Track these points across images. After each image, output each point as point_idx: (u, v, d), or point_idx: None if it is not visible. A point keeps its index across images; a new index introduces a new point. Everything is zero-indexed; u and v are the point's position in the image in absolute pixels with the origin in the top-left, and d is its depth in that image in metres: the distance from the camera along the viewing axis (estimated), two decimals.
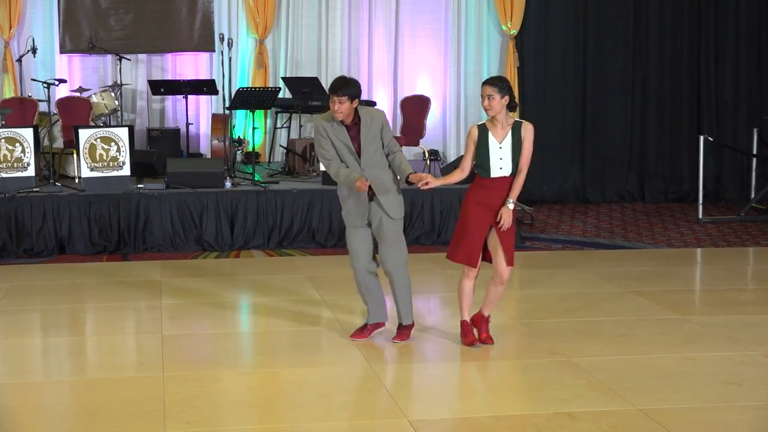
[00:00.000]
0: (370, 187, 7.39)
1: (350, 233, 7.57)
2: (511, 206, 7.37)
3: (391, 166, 7.56)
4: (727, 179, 15.83)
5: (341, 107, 7.28)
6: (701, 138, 13.98)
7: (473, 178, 7.49)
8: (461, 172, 7.46)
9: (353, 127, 7.40)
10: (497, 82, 7.30)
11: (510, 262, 7.45)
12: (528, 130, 7.38)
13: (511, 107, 7.36)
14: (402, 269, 7.63)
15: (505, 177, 7.33)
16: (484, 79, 7.53)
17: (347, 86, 7.29)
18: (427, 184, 7.30)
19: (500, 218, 7.35)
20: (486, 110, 7.31)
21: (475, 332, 7.66)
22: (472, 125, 7.55)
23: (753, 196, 14.67)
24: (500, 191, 7.34)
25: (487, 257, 7.56)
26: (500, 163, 7.30)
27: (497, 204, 7.35)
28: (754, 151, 14.85)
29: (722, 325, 8.29)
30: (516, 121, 7.40)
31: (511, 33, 15.12)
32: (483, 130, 7.37)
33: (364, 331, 7.80)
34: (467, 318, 7.65)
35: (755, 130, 14.88)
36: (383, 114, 7.56)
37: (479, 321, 7.69)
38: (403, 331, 7.80)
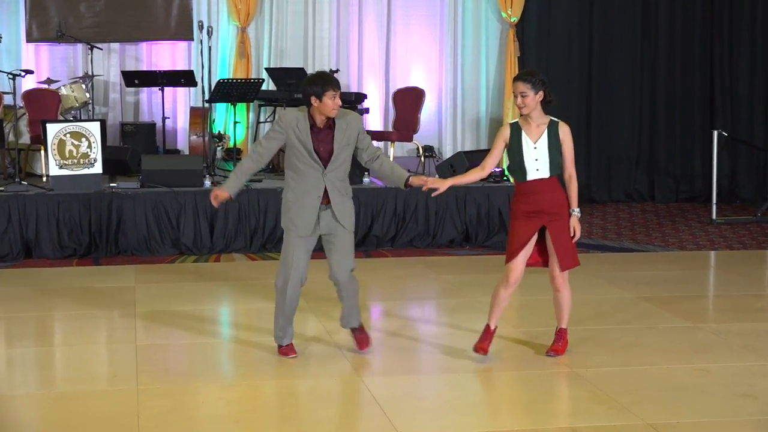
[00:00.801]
0: (326, 193, 7.28)
1: (292, 242, 7.41)
2: (578, 214, 7.44)
3: (379, 172, 7.55)
4: (742, 177, 15.85)
5: (340, 102, 7.22)
6: (715, 133, 14.01)
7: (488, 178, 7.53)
8: (481, 171, 7.46)
9: (324, 130, 7.29)
10: (530, 78, 7.28)
11: (564, 266, 7.45)
12: (566, 132, 7.39)
13: (546, 103, 7.33)
14: (353, 278, 7.59)
15: (543, 179, 7.33)
16: (516, 75, 7.49)
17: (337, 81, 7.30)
18: (435, 190, 7.34)
19: (573, 231, 7.41)
20: (520, 108, 7.30)
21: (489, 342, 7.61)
22: (504, 124, 7.55)
23: None
24: (543, 193, 7.33)
25: (545, 262, 7.57)
26: (536, 165, 7.29)
27: (544, 207, 7.32)
28: None
29: (737, 334, 8.30)
30: (552, 119, 7.38)
31: (512, 20, 15.13)
32: (516, 129, 7.36)
33: (290, 348, 7.67)
34: (492, 324, 7.56)
35: None
36: (360, 119, 7.52)
37: (557, 335, 7.68)
38: (364, 335, 7.75)
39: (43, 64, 14.44)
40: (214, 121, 13.91)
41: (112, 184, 11.71)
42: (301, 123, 7.26)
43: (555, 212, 7.36)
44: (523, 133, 7.32)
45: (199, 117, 13.40)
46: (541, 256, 7.57)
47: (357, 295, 7.68)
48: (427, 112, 14.77)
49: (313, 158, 7.25)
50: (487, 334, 7.56)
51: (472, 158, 11.94)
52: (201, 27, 13.56)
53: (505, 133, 7.38)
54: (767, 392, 6.91)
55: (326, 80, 7.22)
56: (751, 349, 7.87)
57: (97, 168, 11.53)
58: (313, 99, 7.19)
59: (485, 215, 12.14)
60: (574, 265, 7.52)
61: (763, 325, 8.62)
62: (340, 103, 7.22)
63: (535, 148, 7.28)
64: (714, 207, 13.86)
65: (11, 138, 12.68)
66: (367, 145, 7.45)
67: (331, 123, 7.29)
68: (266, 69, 14.47)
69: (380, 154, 7.50)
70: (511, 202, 7.50)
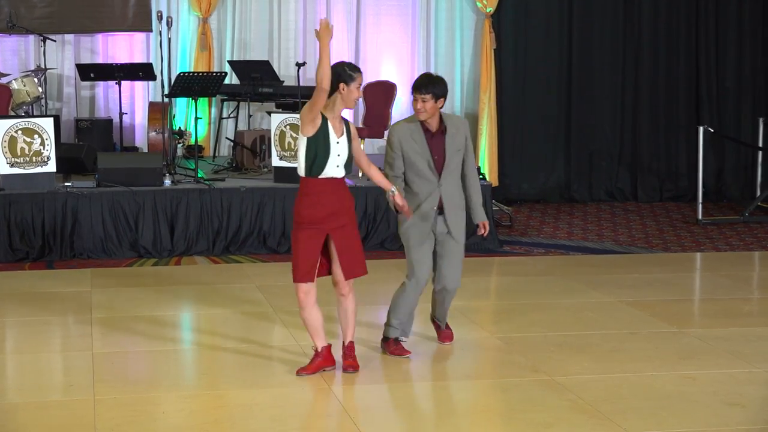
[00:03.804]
0: (441, 202, 7.60)
1: (414, 248, 7.68)
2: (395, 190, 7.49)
3: (465, 193, 7.78)
4: (729, 175, 15.93)
5: (425, 105, 7.48)
6: (700, 129, 14.07)
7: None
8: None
9: (437, 135, 7.58)
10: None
11: (349, 274, 7.36)
12: (355, 129, 7.37)
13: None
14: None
15: (337, 178, 7.22)
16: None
17: (432, 84, 7.51)
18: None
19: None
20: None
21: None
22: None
23: (758, 194, 14.77)
24: (334, 194, 7.22)
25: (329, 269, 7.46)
26: (337, 161, 7.20)
27: (331, 209, 7.20)
28: (760, 144, 14.96)
29: (724, 339, 8.34)
30: (342, 117, 7.32)
31: (487, 11, 15.15)
32: (324, 119, 7.17)
33: (398, 347, 7.89)
34: (320, 345, 7.44)
35: (761, 119, 14.99)
36: (468, 124, 7.82)
37: (349, 350, 7.56)
38: (448, 331, 8.16)
39: None
40: (174, 117, 13.87)
41: (66, 184, 11.67)
42: (415, 134, 7.59)
43: (341, 214, 7.26)
44: (329, 125, 7.19)
45: (159, 112, 13.36)
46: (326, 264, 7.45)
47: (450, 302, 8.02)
48: (398, 108, 14.78)
49: (430, 167, 7.58)
50: (317, 356, 7.44)
51: None
52: (160, 17, 13.51)
53: (318, 120, 7.15)
54: (755, 400, 6.96)
55: (412, 86, 7.62)
56: (739, 356, 7.91)
57: (51, 166, 11.48)
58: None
59: None
60: (361, 273, 7.43)
61: (751, 330, 8.67)
62: (426, 107, 7.51)
63: (338, 143, 7.19)
64: (700, 206, 13.91)
65: None
66: (469, 155, 7.76)
67: (442, 127, 7.59)
68: (229, 62, 14.46)
69: (473, 175, 7.77)
70: (297, 204, 7.28)
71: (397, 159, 7.63)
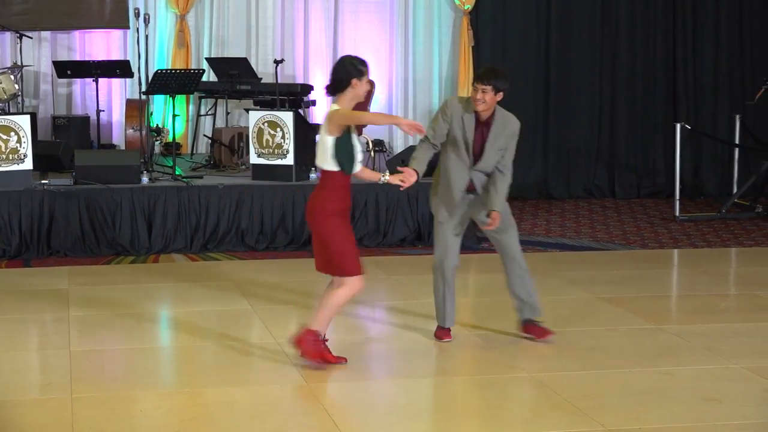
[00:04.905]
0: (471, 184, 7.76)
1: (438, 227, 7.93)
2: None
3: (489, 181, 7.86)
4: (706, 172, 15.97)
5: (484, 96, 7.60)
6: (678, 126, 14.10)
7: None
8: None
9: (485, 125, 7.70)
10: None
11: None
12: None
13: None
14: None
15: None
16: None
17: (495, 76, 7.63)
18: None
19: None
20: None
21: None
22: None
23: (735, 190, 14.81)
24: (350, 190, 7.45)
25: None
26: (360, 157, 7.34)
27: (349, 204, 7.48)
28: (737, 141, 15.00)
29: (701, 335, 8.37)
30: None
31: (465, 8, 15.17)
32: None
33: (443, 332, 8.07)
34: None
35: (737, 116, 15.02)
36: (519, 125, 7.85)
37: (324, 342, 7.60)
38: (540, 327, 8.12)
39: None
40: (151, 114, 13.83)
41: (43, 181, 11.62)
42: (466, 115, 7.71)
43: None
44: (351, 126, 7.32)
45: (136, 110, 13.32)
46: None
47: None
48: (377, 105, 14.77)
49: (468, 150, 7.73)
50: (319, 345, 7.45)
51: None
52: (137, 14, 13.45)
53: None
54: (732, 396, 6.98)
55: (475, 75, 7.87)
56: (716, 352, 7.94)
57: (27, 164, 11.44)
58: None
59: None
60: None
61: (728, 326, 8.70)
62: (486, 98, 7.63)
63: (357, 141, 7.34)
64: (677, 203, 13.95)
65: None
66: (510, 154, 7.91)
67: (492, 119, 7.71)
68: (207, 59, 14.42)
69: (508, 173, 7.93)
70: (323, 199, 7.35)
71: (442, 127, 7.73)
